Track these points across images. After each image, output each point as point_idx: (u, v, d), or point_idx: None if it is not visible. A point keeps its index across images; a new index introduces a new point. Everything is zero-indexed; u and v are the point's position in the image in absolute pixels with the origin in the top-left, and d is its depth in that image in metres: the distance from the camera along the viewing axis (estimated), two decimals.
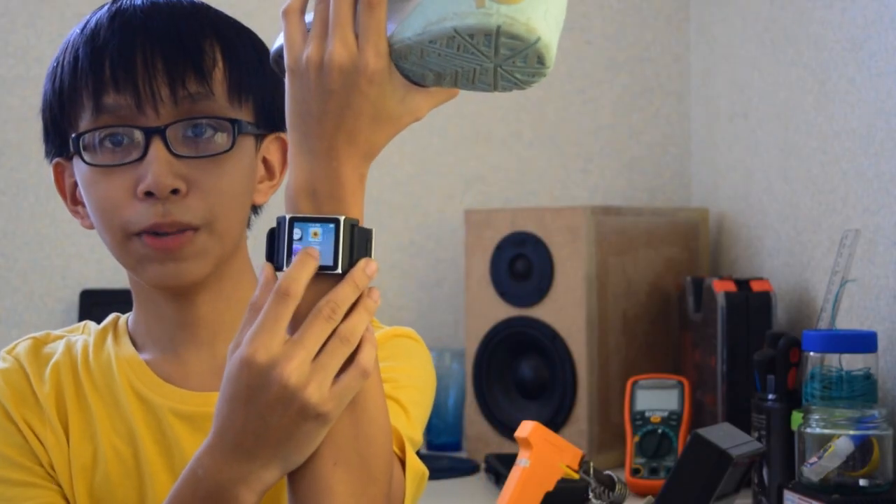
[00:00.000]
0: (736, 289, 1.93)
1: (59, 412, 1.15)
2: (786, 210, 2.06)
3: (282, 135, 1.19)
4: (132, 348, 1.18)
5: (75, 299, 2.30)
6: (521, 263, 2.11)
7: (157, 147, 1.07)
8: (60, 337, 1.21)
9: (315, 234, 0.92)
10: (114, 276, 2.30)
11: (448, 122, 2.46)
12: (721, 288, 1.93)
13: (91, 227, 1.16)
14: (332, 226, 0.92)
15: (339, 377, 0.93)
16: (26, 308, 2.32)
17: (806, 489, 1.53)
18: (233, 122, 1.10)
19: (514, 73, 0.89)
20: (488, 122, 2.47)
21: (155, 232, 1.08)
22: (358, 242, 0.93)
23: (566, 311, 2.06)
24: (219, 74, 1.11)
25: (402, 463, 1.07)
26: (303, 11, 0.93)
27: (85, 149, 1.09)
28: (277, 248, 0.93)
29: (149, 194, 1.07)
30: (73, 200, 1.16)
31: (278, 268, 0.93)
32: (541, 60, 0.88)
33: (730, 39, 2.31)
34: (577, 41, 2.49)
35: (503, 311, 2.13)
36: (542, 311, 2.09)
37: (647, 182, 2.52)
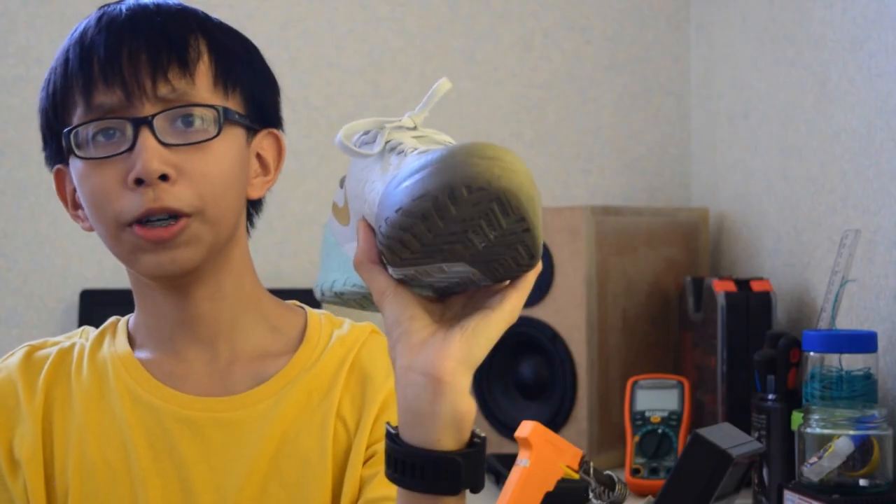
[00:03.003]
0: (736, 289, 1.93)
1: (45, 426, 1.15)
2: (786, 210, 2.06)
3: (275, 131, 1.20)
4: (127, 347, 1.18)
5: (75, 299, 2.30)
6: None
7: (145, 136, 1.09)
8: (57, 343, 1.21)
9: None
10: (114, 276, 2.30)
11: (448, 122, 2.46)
12: (721, 288, 1.93)
13: (92, 228, 1.17)
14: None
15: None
16: (26, 308, 2.32)
17: (806, 489, 1.53)
18: (217, 108, 1.12)
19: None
20: (488, 122, 2.47)
21: (147, 220, 1.09)
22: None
23: (566, 311, 2.06)
24: (203, 67, 1.13)
25: None
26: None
27: (77, 145, 1.11)
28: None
29: (139, 182, 1.08)
30: (74, 205, 1.18)
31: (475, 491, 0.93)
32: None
33: (730, 39, 2.31)
34: (577, 41, 2.50)
35: None
36: (542, 311, 2.09)
37: (647, 182, 2.52)
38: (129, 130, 1.09)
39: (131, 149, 1.09)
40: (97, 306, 2.25)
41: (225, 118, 1.12)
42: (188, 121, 1.11)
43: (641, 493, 1.83)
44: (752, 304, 1.92)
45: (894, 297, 1.69)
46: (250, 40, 1.20)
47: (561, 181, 2.49)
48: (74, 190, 1.16)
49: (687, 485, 1.03)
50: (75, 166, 1.13)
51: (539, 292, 2.09)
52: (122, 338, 1.19)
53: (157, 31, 1.12)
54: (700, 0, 2.48)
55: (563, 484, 1.05)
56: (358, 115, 2.41)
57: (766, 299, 1.92)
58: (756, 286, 1.94)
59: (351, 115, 2.41)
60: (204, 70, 1.12)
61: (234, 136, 1.14)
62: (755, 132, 2.19)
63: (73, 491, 1.13)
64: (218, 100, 1.13)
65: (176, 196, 1.09)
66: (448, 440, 0.90)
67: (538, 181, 2.66)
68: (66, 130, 1.11)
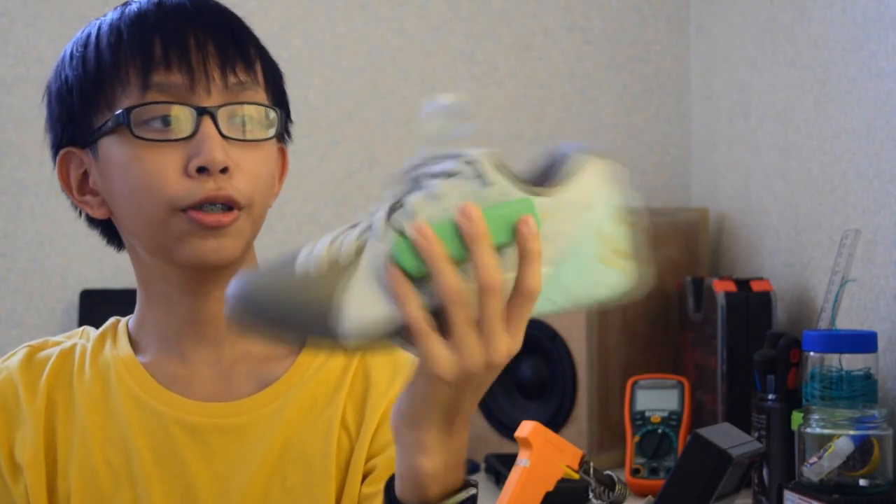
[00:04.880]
0: (736, 289, 1.93)
1: (46, 428, 1.14)
2: (786, 210, 2.06)
3: (283, 146, 1.21)
4: (130, 350, 1.17)
5: (75, 299, 2.30)
6: None
7: (208, 125, 1.08)
8: (57, 343, 1.20)
9: None
10: (114, 276, 2.30)
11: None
12: (721, 288, 1.93)
13: (104, 215, 1.15)
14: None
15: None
16: (26, 308, 2.32)
17: (806, 489, 1.53)
18: (277, 111, 1.14)
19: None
20: (488, 122, 2.47)
21: (201, 207, 1.08)
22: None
23: None
24: (259, 68, 1.13)
25: None
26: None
27: (136, 124, 1.08)
28: None
29: (201, 170, 1.07)
30: (81, 191, 1.15)
31: None
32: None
33: (730, 39, 2.31)
34: (577, 41, 2.50)
35: None
36: None
37: (647, 182, 2.52)
38: (191, 117, 1.08)
39: (191, 136, 1.08)
40: (97, 306, 2.25)
41: (281, 122, 1.14)
42: (246, 117, 1.11)
43: (641, 493, 1.83)
44: (752, 304, 1.92)
45: (894, 297, 1.69)
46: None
47: None
48: (83, 174, 1.14)
49: (687, 485, 1.03)
50: (113, 148, 1.10)
51: None
52: (123, 340, 1.18)
53: (223, 23, 1.12)
54: (700, 0, 2.48)
55: (563, 484, 1.05)
56: (358, 115, 2.42)
57: (766, 299, 1.92)
58: (756, 286, 1.94)
59: (351, 114, 2.41)
60: (259, 72, 1.13)
61: (274, 142, 1.15)
62: (755, 132, 2.19)
63: (75, 494, 1.12)
64: (269, 102, 1.14)
65: (235, 187, 1.08)
66: (408, 496, 0.90)
67: None
68: (124, 109, 1.08)
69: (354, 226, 0.88)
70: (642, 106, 2.52)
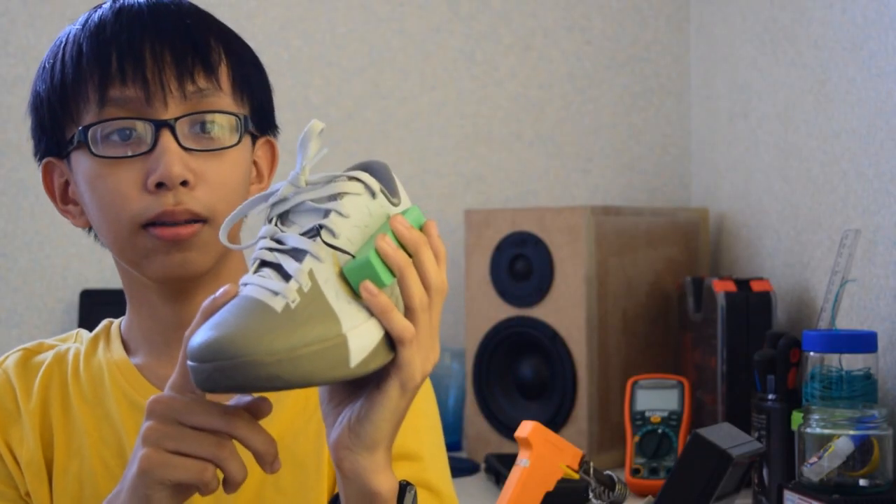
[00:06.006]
0: (736, 289, 1.93)
1: (42, 430, 1.15)
2: (786, 210, 2.06)
3: (271, 139, 1.20)
4: (123, 352, 1.17)
5: (75, 299, 2.30)
6: (521, 263, 2.11)
7: (166, 139, 1.07)
8: (52, 346, 1.20)
9: None
10: (114, 276, 2.29)
11: (448, 123, 2.46)
12: (721, 288, 1.93)
13: (84, 225, 1.15)
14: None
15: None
16: (26, 308, 2.32)
17: (806, 489, 1.53)
18: (239, 116, 1.11)
19: None
20: (488, 122, 2.47)
21: (163, 223, 1.07)
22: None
23: (566, 311, 2.06)
24: (223, 71, 1.11)
25: None
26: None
27: (91, 142, 1.08)
28: None
29: (160, 185, 1.06)
30: (64, 200, 1.16)
31: None
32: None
33: (730, 39, 2.31)
34: (577, 41, 2.50)
35: (503, 311, 2.13)
36: (542, 311, 2.09)
37: (647, 182, 2.52)
38: (149, 131, 1.07)
39: (150, 150, 1.07)
40: (97, 306, 2.25)
41: (245, 127, 1.12)
42: (208, 126, 1.09)
43: (641, 493, 1.83)
44: (752, 304, 1.92)
45: (894, 297, 1.69)
46: (249, 46, 1.19)
47: (561, 181, 2.49)
48: (65, 184, 1.14)
49: (687, 485, 1.03)
50: (81, 163, 1.10)
51: (539, 292, 2.09)
52: (116, 342, 1.18)
53: (181, 30, 1.10)
54: (700, 0, 2.48)
55: (563, 484, 1.05)
56: (358, 115, 2.42)
57: (766, 299, 1.92)
58: (756, 286, 1.93)
59: (351, 114, 2.41)
60: (224, 75, 1.11)
61: (245, 144, 1.13)
62: (755, 132, 2.19)
63: (73, 495, 1.13)
64: (236, 107, 1.12)
65: (195, 200, 1.07)
66: None
67: (538, 181, 2.65)
68: (82, 126, 1.08)
69: (265, 263, 0.89)
70: (642, 106, 2.52)
